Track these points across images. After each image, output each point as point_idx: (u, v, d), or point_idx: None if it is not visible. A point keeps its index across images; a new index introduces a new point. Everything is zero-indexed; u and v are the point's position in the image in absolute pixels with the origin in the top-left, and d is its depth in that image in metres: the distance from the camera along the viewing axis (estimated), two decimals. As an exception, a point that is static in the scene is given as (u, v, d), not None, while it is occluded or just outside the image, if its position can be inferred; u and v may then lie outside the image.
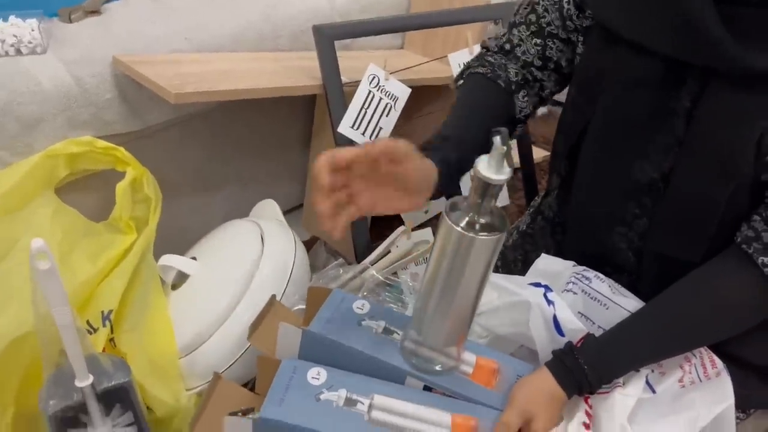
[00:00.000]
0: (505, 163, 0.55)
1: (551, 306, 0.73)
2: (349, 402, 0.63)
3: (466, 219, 0.57)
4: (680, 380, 0.69)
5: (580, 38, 0.74)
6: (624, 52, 0.65)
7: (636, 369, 0.71)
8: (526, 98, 0.78)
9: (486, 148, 0.75)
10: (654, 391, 0.70)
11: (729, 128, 0.61)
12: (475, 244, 0.57)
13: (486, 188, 0.56)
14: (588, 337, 0.71)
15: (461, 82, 0.81)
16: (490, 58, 0.79)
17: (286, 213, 1.13)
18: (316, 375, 0.65)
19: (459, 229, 0.57)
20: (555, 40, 0.76)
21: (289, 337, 0.69)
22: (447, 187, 0.67)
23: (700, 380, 0.68)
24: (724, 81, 0.60)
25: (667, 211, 0.68)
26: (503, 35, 0.80)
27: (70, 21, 1.09)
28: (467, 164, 0.67)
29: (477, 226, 0.57)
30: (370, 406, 0.63)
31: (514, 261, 0.92)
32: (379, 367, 0.67)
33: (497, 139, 0.54)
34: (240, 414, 0.61)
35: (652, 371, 0.71)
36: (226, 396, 0.66)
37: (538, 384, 0.68)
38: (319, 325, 0.69)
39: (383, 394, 0.65)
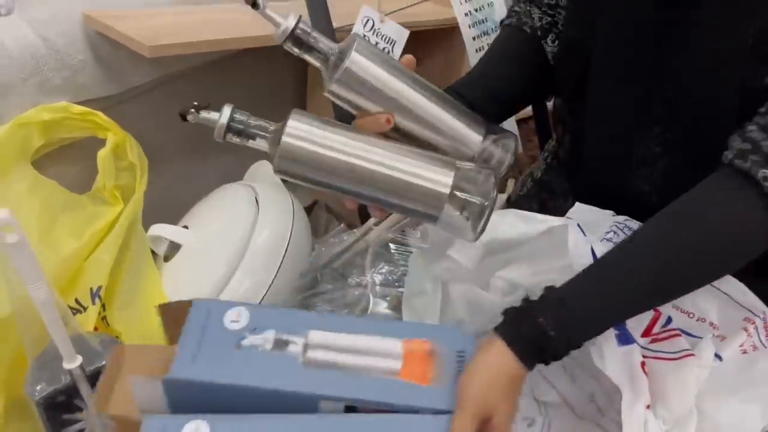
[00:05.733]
0: None
1: (588, 240, 0.64)
2: (279, 344, 0.52)
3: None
4: (741, 345, 0.60)
5: None
6: None
7: (612, 326, 0.57)
8: (556, 41, 0.73)
9: (507, 96, 0.71)
10: (721, 359, 0.60)
11: (728, 28, 0.56)
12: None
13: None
14: (548, 290, 0.57)
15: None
16: (516, 8, 0.77)
17: (285, 177, 1.07)
18: (236, 317, 0.54)
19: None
20: None
21: (149, 393, 0.51)
22: None
23: (764, 346, 0.59)
24: None
25: (688, 139, 0.62)
26: None
27: (37, -20, 1.01)
28: (480, 108, 0.66)
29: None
30: (305, 346, 0.52)
31: (531, 211, 0.85)
32: (280, 399, 0.51)
33: None
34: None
35: (713, 335, 0.61)
36: (136, 362, 0.56)
37: (491, 368, 0.54)
38: (183, 363, 0.51)
39: (320, 329, 0.54)
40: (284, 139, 0.55)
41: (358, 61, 0.56)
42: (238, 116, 0.56)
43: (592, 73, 0.68)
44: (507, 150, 0.63)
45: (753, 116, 0.56)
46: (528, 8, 0.75)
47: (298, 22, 0.56)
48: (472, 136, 0.62)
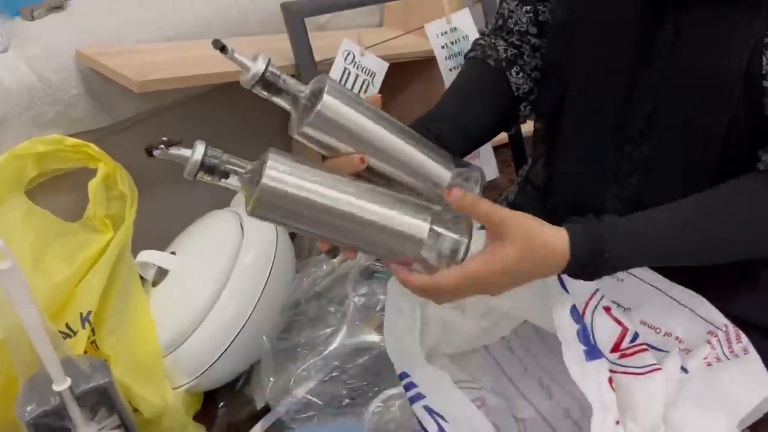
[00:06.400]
0: None
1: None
2: None
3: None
4: (705, 357, 0.63)
5: None
6: None
7: (658, 263, 0.63)
8: (520, 74, 0.76)
9: (477, 133, 0.73)
10: (686, 371, 0.63)
11: (712, 56, 0.59)
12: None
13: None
14: (613, 219, 0.60)
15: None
16: (481, 41, 0.78)
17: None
18: None
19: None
20: (545, 2, 0.72)
21: None
22: None
23: (727, 357, 0.62)
24: (703, 9, 0.57)
25: (660, 158, 0.65)
26: (496, 11, 0.78)
27: (33, 18, 1.06)
28: (446, 142, 0.67)
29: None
30: None
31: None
32: None
33: None
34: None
35: (678, 349, 0.65)
36: None
37: (537, 253, 0.56)
38: None
39: None
40: (264, 181, 0.51)
41: (330, 105, 0.55)
42: (211, 153, 0.52)
43: (569, 93, 0.71)
44: (475, 183, 0.65)
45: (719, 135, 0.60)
46: (493, 41, 0.77)
47: (268, 65, 0.54)
48: (442, 173, 0.62)
